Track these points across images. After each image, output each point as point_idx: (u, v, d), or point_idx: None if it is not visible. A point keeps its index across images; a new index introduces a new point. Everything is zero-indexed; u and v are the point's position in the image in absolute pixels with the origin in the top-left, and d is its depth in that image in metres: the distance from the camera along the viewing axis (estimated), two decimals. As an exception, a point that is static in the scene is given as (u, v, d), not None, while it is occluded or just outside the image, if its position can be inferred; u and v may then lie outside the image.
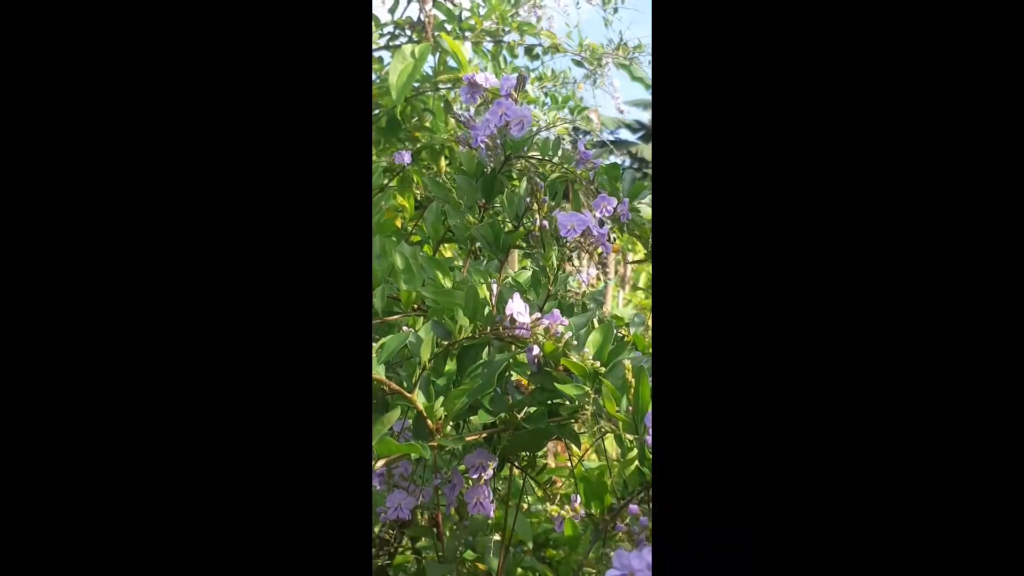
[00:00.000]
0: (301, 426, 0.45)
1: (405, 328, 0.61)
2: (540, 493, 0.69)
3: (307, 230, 0.45)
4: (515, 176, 0.70)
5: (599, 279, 0.64)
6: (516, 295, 0.60)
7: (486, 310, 0.62)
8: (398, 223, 0.79)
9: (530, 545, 0.70)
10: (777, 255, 0.43)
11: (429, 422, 0.60)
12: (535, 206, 0.61)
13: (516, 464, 0.66)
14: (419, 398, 0.59)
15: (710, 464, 0.43)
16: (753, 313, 0.43)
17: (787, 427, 0.42)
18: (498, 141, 0.65)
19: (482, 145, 0.65)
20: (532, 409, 0.61)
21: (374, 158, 0.80)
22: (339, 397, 0.45)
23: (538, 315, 0.60)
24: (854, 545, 0.42)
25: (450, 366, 0.64)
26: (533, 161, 0.64)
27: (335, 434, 0.45)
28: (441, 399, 0.59)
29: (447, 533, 0.67)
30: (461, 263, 0.72)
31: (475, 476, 0.62)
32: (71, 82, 0.43)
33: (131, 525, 0.43)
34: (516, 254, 0.69)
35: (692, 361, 0.43)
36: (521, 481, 0.68)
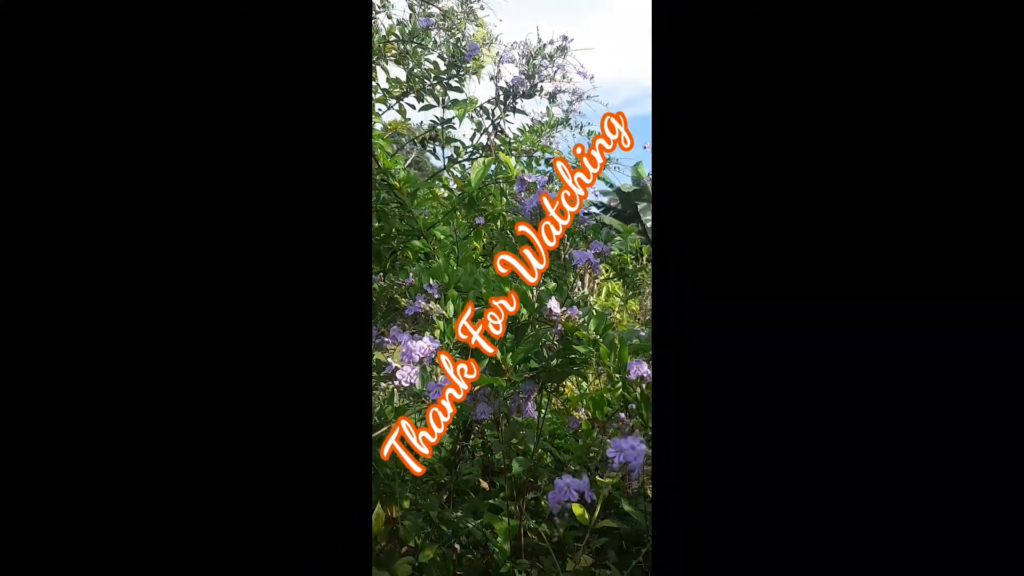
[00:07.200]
0: (303, 422, 0.44)
1: (490, 314, 1.08)
2: (559, 407, 1.17)
3: (309, 231, 0.43)
4: (542, 231, 1.19)
5: (591, 290, 1.13)
6: (552, 298, 1.08)
7: (535, 305, 1.10)
8: (474, 256, 1.27)
9: (548, 437, 1.17)
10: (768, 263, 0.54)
11: (503, 366, 1.07)
12: (560, 249, 1.09)
13: (548, 390, 1.14)
14: (498, 353, 1.06)
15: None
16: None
17: (781, 425, 0.44)
18: (538, 212, 1.14)
19: (528, 214, 1.14)
20: (557, 360, 1.09)
21: (461, 221, 1.29)
22: (342, 388, 0.45)
23: (564, 308, 1.08)
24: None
25: (510, 336, 1.11)
26: (557, 224, 1.13)
27: (337, 426, 0.44)
28: (510, 353, 1.07)
29: (503, 427, 1.14)
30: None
31: (526, 396, 1.09)
32: (75, 81, 0.41)
33: (132, 524, 0.40)
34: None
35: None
36: (548, 399, 1.16)
